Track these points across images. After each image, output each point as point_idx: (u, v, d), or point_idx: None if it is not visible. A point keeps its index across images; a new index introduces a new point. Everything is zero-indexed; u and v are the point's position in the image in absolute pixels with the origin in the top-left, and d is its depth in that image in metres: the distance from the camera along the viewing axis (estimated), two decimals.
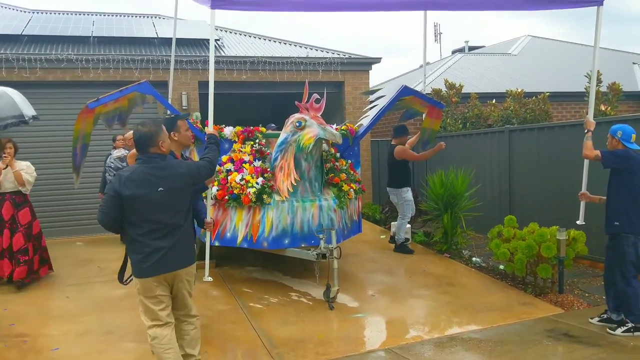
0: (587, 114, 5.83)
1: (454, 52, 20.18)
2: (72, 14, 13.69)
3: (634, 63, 16.89)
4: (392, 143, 8.09)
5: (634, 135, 4.87)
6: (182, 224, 3.57)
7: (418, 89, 13.11)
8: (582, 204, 5.78)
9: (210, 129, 5.02)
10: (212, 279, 5.61)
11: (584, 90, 10.49)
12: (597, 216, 6.72)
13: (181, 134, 4.21)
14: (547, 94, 10.84)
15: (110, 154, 8.77)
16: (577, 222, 5.80)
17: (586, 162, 5.64)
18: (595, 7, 5.43)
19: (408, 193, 7.97)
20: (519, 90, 11.01)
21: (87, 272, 7.31)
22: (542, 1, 5.31)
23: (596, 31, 5.54)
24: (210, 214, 5.47)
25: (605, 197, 5.09)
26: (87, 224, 10.17)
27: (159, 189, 3.46)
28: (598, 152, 4.90)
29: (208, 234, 5.39)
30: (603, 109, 9.86)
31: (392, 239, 8.29)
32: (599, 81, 10.23)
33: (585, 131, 5.33)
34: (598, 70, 10.30)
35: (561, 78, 14.83)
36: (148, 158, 3.54)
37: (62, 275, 7.08)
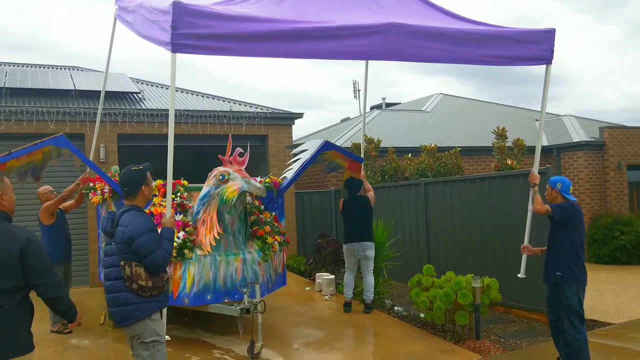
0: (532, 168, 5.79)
1: (372, 108, 21.05)
2: None
3: (536, 120, 18.33)
4: (358, 195, 7.71)
5: (571, 187, 5.03)
6: None
7: (345, 139, 13.56)
8: (524, 257, 5.68)
9: (167, 210, 4.75)
10: (169, 338, 5.17)
11: (491, 145, 11.24)
12: (508, 264, 7.13)
13: (150, 188, 3.88)
14: (459, 148, 11.53)
15: None
16: (519, 275, 5.71)
17: (529, 215, 5.69)
18: (544, 65, 5.62)
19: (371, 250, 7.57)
20: (433, 145, 11.64)
21: None
22: (491, 58, 5.38)
23: (545, 88, 5.70)
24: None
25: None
26: None
27: None
28: (548, 207, 4.93)
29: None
30: (509, 163, 10.59)
31: (368, 307, 7.50)
32: (504, 137, 11.01)
33: (532, 185, 5.38)
34: (504, 128, 11.17)
35: (471, 133, 15.81)
36: None
37: None
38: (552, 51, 5.55)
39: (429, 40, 5.04)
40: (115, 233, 3.60)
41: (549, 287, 5.07)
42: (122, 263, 3.56)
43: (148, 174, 3.82)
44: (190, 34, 4.35)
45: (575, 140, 14.23)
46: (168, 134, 4.60)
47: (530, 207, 5.62)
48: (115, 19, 6.15)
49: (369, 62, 7.76)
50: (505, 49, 5.35)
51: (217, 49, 4.48)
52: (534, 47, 5.48)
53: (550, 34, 5.54)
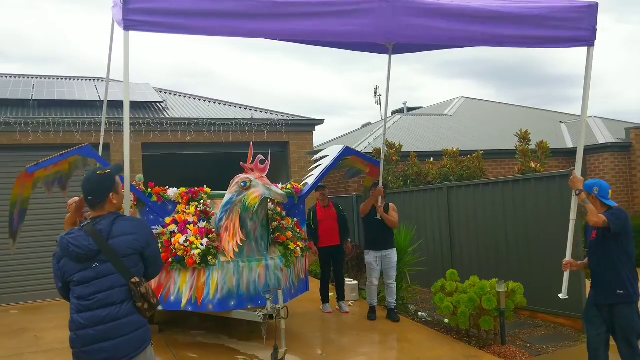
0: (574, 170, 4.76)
1: (393, 112, 21.03)
2: (10, 77, 13.48)
3: (561, 122, 18.08)
4: None
5: (610, 191, 4.37)
6: None
7: (366, 144, 13.57)
8: (566, 275, 4.71)
9: (126, 209, 3.72)
10: None
11: (514, 148, 11.13)
12: (533, 268, 7.04)
13: (120, 197, 3.13)
14: (481, 152, 11.43)
15: None
16: (560, 296, 4.75)
17: (571, 225, 4.74)
18: (585, 47, 4.66)
19: (367, 256, 7.47)
20: (455, 149, 11.57)
21: (21, 342, 6.90)
22: (516, 39, 4.47)
23: (586, 73, 4.74)
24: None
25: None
26: (24, 290, 9.70)
27: None
28: (605, 218, 4.15)
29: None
30: (533, 166, 10.46)
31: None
32: (527, 140, 10.89)
33: (576, 192, 4.42)
34: (527, 130, 11.05)
35: (493, 137, 15.67)
36: None
37: None
38: (595, 30, 4.54)
39: (435, 18, 4.21)
40: (111, 247, 2.88)
41: (597, 306, 4.34)
42: (137, 280, 2.91)
43: (117, 178, 3.08)
44: (141, 9, 3.82)
45: (600, 142, 14.00)
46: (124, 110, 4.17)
47: (572, 217, 4.74)
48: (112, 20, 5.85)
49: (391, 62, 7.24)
50: (535, 29, 4.46)
51: (172, 26, 3.91)
52: (571, 26, 4.53)
53: (591, 10, 4.52)
